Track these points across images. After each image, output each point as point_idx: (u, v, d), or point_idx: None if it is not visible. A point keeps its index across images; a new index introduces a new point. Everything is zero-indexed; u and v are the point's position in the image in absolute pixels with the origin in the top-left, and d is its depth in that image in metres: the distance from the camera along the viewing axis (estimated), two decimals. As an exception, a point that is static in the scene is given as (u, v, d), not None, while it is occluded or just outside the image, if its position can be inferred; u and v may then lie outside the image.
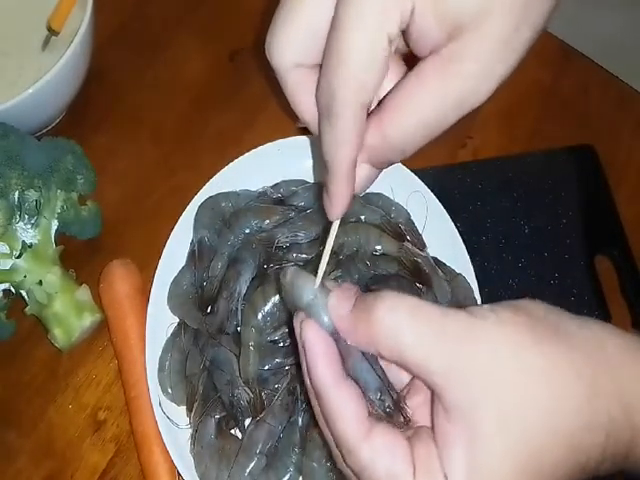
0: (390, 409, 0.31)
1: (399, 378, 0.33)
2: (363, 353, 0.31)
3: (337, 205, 0.32)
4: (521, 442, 0.27)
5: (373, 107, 0.31)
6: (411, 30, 0.29)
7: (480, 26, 0.27)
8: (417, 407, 0.32)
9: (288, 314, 0.51)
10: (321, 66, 0.30)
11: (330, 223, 0.34)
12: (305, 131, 0.55)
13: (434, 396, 0.29)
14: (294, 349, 0.36)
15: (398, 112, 0.30)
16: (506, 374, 0.28)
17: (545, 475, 0.28)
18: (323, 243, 0.35)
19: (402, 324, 0.29)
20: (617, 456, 0.29)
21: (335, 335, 0.31)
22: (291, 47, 0.30)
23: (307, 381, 0.32)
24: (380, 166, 0.32)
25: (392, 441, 0.30)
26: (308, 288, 0.32)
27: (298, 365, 0.49)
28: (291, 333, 0.51)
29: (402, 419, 0.31)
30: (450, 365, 0.28)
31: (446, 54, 0.28)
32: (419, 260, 0.53)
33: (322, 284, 0.33)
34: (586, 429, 0.28)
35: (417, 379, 0.32)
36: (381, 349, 0.30)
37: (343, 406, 0.30)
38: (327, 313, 0.31)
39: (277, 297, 0.50)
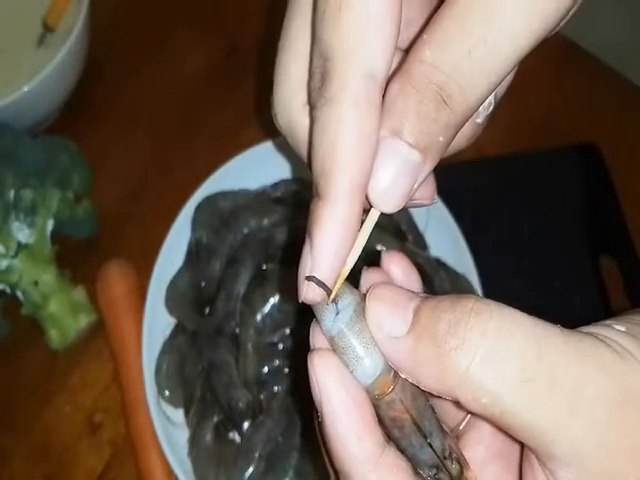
0: None
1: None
2: (416, 424, 0.21)
3: (320, 259, 0.20)
4: None
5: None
6: None
7: None
8: (471, 446, 0.24)
9: (287, 315, 0.51)
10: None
11: None
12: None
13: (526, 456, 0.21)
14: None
15: (448, 32, 0.20)
16: None
17: None
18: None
19: (504, 387, 0.19)
20: None
21: (373, 391, 0.21)
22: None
23: (326, 458, 0.23)
24: (423, 137, 0.21)
25: None
26: (328, 311, 0.21)
27: (297, 367, 0.50)
28: (292, 335, 0.51)
29: None
30: (585, 440, 0.19)
31: None
32: (420, 260, 0.52)
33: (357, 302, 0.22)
34: None
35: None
36: (461, 400, 0.20)
37: None
38: (362, 349, 0.20)
39: (276, 298, 0.50)
